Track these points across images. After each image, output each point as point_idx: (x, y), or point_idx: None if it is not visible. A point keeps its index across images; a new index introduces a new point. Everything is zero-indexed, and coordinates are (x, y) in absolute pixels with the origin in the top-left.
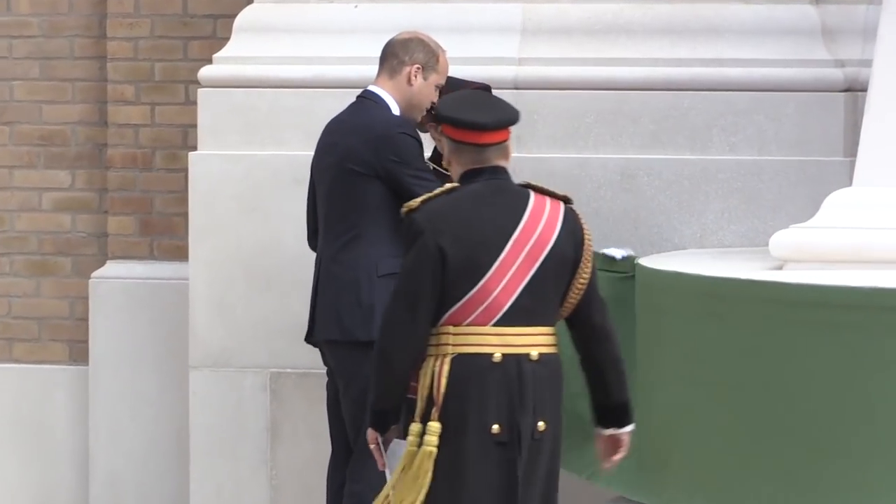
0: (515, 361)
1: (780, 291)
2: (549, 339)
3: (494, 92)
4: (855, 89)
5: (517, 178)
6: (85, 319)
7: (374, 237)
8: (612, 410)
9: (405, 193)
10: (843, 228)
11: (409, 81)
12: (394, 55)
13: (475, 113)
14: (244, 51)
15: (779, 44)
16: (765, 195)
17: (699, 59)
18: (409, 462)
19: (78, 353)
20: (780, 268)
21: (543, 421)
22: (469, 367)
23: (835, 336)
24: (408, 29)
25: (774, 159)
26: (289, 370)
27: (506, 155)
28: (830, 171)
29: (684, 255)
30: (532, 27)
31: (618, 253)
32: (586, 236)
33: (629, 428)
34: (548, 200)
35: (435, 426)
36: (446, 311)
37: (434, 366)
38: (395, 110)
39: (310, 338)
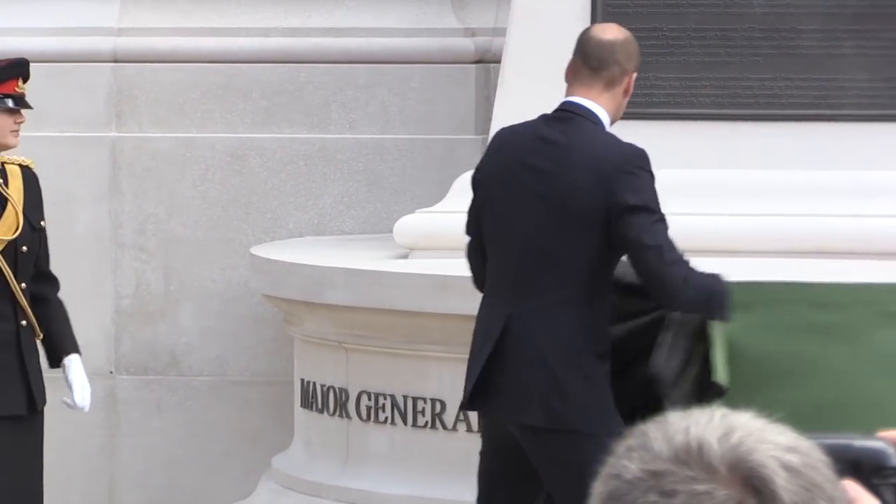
0: None
1: None
2: None
3: (91, 66)
4: (487, 60)
5: (118, 160)
6: None
7: (588, 300)
8: None
9: (634, 243)
10: None
11: (625, 93)
12: (616, 63)
13: None
14: None
15: (403, 11)
16: (388, 177)
17: (315, 29)
18: None
19: None
20: (405, 256)
21: None
22: None
23: None
24: None
25: (398, 138)
26: None
27: None
28: (460, 151)
29: (300, 244)
30: None
31: None
32: None
33: None
34: None
35: None
36: None
37: None
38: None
39: (476, 406)
